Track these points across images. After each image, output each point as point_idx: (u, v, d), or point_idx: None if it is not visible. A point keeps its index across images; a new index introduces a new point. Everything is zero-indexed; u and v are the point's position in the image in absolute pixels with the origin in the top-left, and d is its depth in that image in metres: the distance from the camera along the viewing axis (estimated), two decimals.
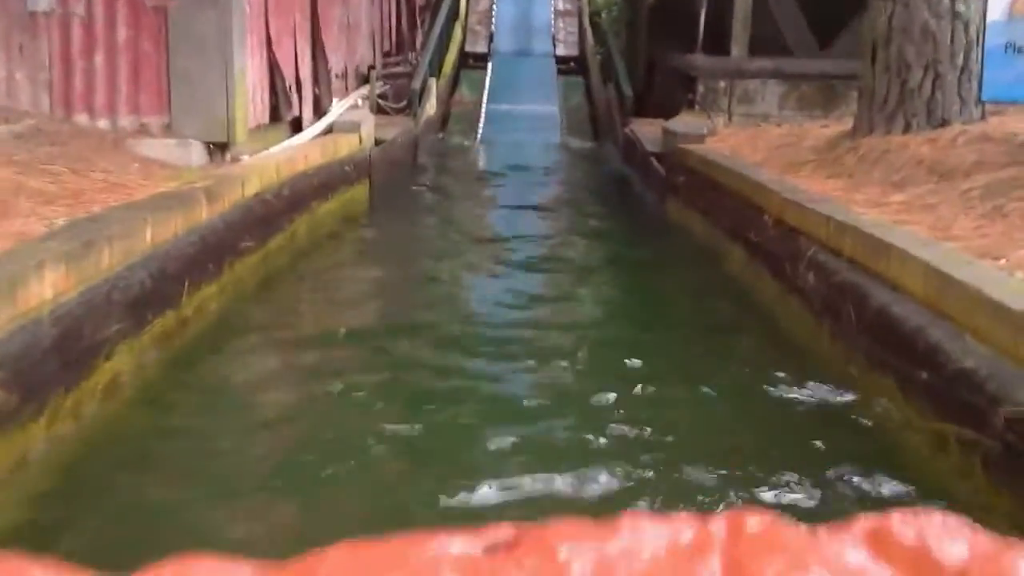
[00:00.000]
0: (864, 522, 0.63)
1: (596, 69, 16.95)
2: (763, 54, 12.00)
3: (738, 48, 12.08)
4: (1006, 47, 6.75)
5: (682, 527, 0.66)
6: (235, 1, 7.13)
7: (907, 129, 7.55)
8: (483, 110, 15.87)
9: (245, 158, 7.21)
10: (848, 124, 10.29)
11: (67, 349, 3.62)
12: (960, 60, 7.48)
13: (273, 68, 8.55)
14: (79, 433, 3.71)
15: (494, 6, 20.68)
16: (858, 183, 6.89)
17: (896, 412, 4.00)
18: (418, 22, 18.04)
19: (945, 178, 6.60)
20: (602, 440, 3.88)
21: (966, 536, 0.62)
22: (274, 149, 7.71)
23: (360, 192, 9.13)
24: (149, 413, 4.03)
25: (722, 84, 11.75)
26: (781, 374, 4.55)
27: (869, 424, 4.12)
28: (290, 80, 8.91)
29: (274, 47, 8.53)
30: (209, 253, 5.22)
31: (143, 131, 7.08)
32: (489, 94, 16.69)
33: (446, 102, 16.10)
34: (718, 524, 0.66)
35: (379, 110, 12.71)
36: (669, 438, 3.92)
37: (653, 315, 6.23)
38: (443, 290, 6.85)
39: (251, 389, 4.54)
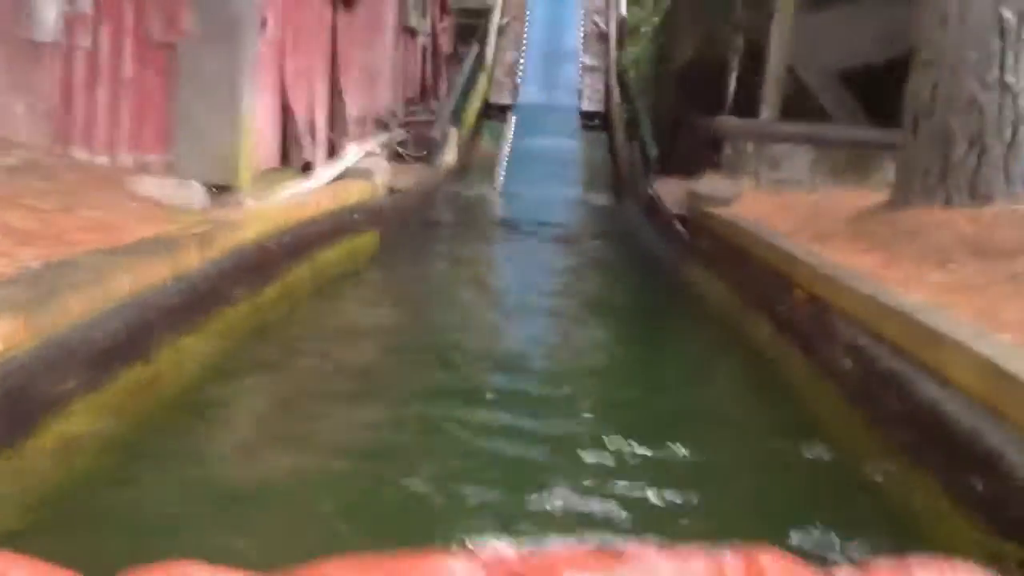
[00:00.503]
0: (883, 565, 0.68)
1: (621, 126, 16.63)
2: (796, 118, 11.64)
3: (769, 110, 11.73)
4: None
5: (693, 562, 0.72)
6: (247, 39, 6.81)
7: (947, 203, 7.13)
8: (504, 162, 15.56)
9: (250, 202, 6.84)
10: (883, 195, 9.96)
11: (13, 408, 3.22)
12: (1008, 135, 7.08)
13: (286, 110, 8.23)
14: (20, 499, 3.29)
15: (521, 59, 20.47)
16: (893, 258, 6.47)
17: (943, 520, 3.56)
18: (443, 71, 17.83)
19: (988, 258, 6.17)
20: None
21: None
22: (280, 194, 7.35)
23: (369, 242, 8.76)
24: (102, 483, 3.61)
25: (750, 147, 11.38)
26: (808, 457, 4.13)
27: (906, 524, 3.69)
28: (303, 123, 8.59)
29: (288, 88, 8.22)
30: (195, 304, 4.84)
31: (143, 169, 6.73)
32: (511, 146, 16.40)
33: (467, 153, 15.80)
34: (733, 562, 0.72)
35: (397, 158, 12.41)
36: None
37: (671, 395, 5.78)
38: (440, 353, 6.42)
39: (225, 458, 4.12)
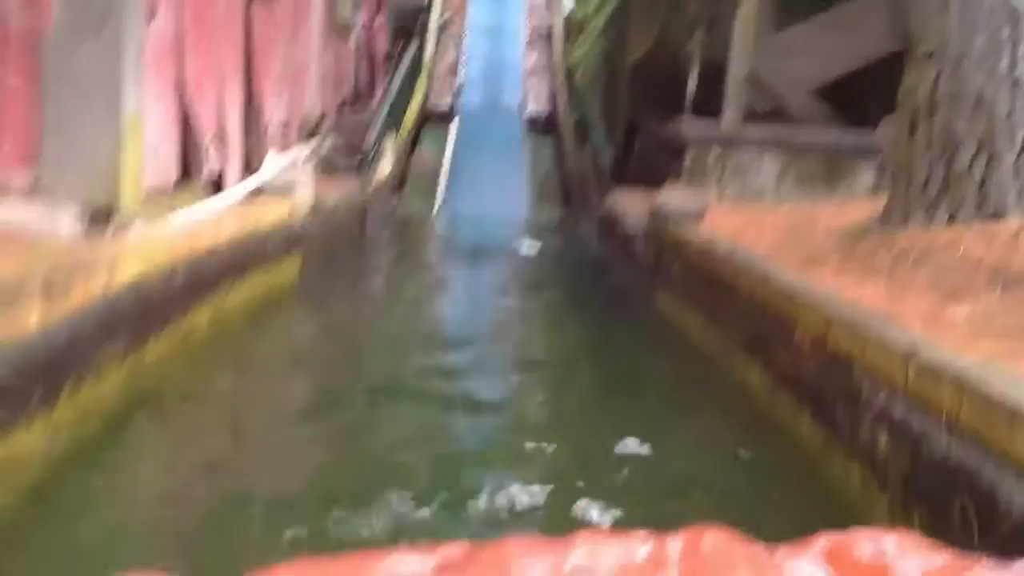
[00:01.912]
0: (823, 540, 0.70)
1: (570, 131, 15.61)
2: (760, 120, 10.72)
3: (732, 113, 10.77)
4: None
5: (638, 544, 0.73)
6: (129, 31, 5.67)
7: (952, 219, 6.18)
8: (445, 172, 14.48)
9: (137, 228, 5.69)
10: (864, 206, 9.03)
11: None
12: (1020, 137, 6.14)
13: (187, 116, 7.09)
14: None
15: (462, 57, 19.40)
16: (901, 288, 5.49)
17: None
18: (379, 72, 16.69)
19: (1013, 287, 5.22)
20: None
21: (923, 553, 0.69)
22: (179, 217, 6.19)
23: (288, 272, 7.59)
24: None
25: (713, 154, 10.42)
26: None
27: None
28: (210, 131, 7.45)
29: (190, 90, 7.07)
30: (31, 382, 3.70)
31: (1, 188, 5.57)
32: (452, 155, 15.31)
33: (405, 161, 14.67)
34: (675, 542, 0.72)
35: (327, 168, 11.30)
36: None
37: (647, 463, 4.68)
38: (372, 409, 5.27)
39: None
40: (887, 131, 10.19)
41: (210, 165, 7.48)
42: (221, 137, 7.77)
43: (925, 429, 3.22)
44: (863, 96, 11.69)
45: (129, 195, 5.79)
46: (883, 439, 3.48)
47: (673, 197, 9.26)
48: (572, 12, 19.84)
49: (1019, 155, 6.13)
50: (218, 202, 6.99)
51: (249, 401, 5.20)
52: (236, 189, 7.57)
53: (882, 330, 3.80)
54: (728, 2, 11.18)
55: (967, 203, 6.14)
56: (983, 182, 6.14)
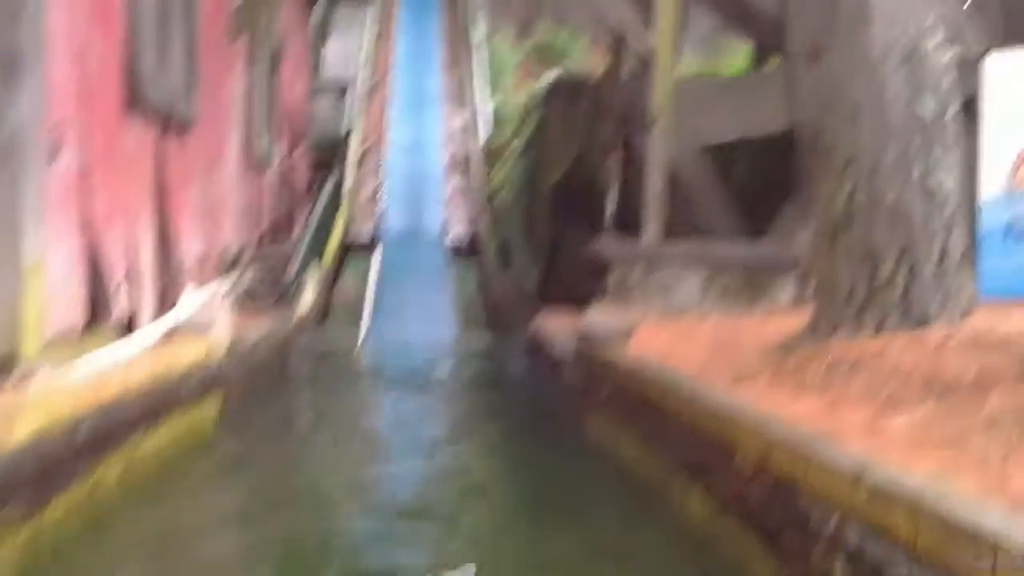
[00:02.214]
0: None
1: (493, 254, 15.60)
2: (681, 237, 10.80)
3: (652, 231, 10.82)
4: (1007, 230, 5.45)
5: None
6: (30, 167, 5.47)
7: (879, 329, 6.14)
8: (369, 302, 14.29)
9: (38, 377, 5.38)
10: (788, 318, 9.02)
11: None
12: (937, 246, 6.17)
13: (95, 255, 6.84)
14: None
15: (383, 185, 19.43)
16: (837, 400, 5.39)
17: None
18: (299, 204, 16.60)
19: (947, 395, 5.14)
20: None
21: None
22: (84, 364, 5.90)
23: (205, 416, 7.25)
24: None
25: (636, 272, 10.41)
26: None
27: None
28: (120, 270, 7.20)
29: (97, 228, 6.85)
30: None
31: None
32: (376, 283, 15.16)
33: (327, 293, 14.48)
34: None
35: (247, 304, 11.06)
36: None
37: None
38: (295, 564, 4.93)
39: None
40: (805, 244, 10.35)
41: (120, 306, 7.21)
42: (132, 276, 7.53)
43: (884, 555, 3.06)
44: (777, 209, 11.87)
45: (31, 343, 5.51)
46: (838, 567, 3.31)
47: (599, 317, 9.17)
48: (490, 137, 20.05)
49: (938, 264, 6.15)
50: (129, 345, 6.71)
51: (162, 555, 4.85)
52: (149, 330, 7.30)
53: (827, 450, 3.66)
54: (643, 121, 11.36)
55: (892, 313, 6.12)
56: (906, 291, 6.13)
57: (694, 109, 10.87)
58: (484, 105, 21.40)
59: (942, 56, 6.33)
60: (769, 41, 11.77)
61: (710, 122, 11.00)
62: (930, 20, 6.33)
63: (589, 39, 26.25)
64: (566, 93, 13.58)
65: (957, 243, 6.20)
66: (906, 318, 6.08)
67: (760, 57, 13.36)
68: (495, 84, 23.54)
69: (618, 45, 12.54)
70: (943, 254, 6.15)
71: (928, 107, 6.23)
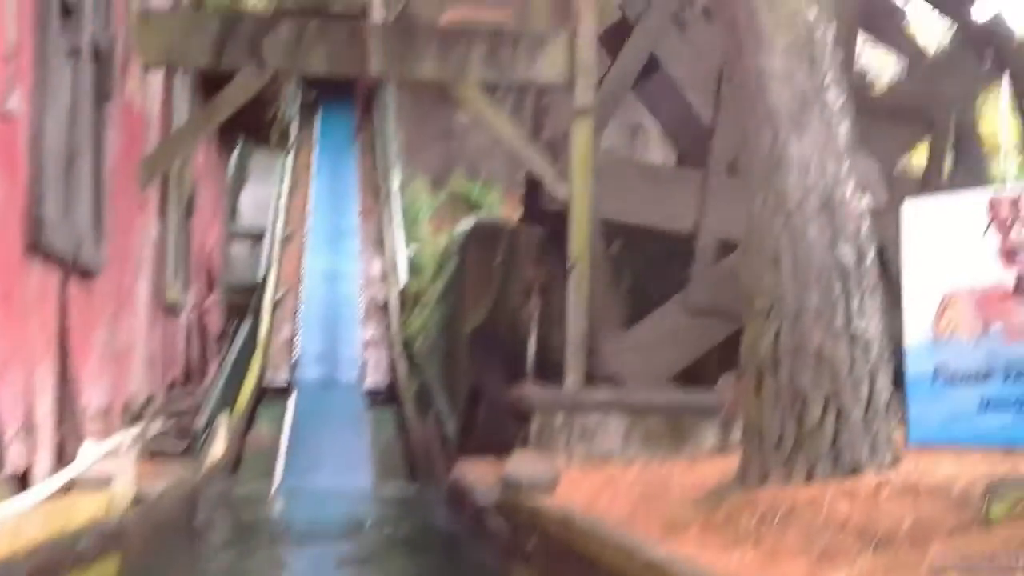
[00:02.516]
0: None
1: (411, 401, 15.32)
2: (603, 383, 10.70)
3: (574, 377, 10.70)
4: (934, 376, 5.39)
5: None
6: None
7: (810, 477, 6.02)
8: (283, 452, 13.84)
9: None
10: (707, 462, 8.89)
11: None
12: (864, 391, 6.12)
13: None
14: None
15: (298, 334, 19.12)
16: (772, 554, 5.21)
17: None
18: (211, 351, 16.19)
19: (884, 547, 5.01)
20: None
21: None
22: None
23: None
24: None
25: (559, 419, 10.23)
26: None
27: None
28: (15, 421, 6.79)
29: None
30: None
31: None
32: (290, 432, 14.72)
33: (239, 442, 13.99)
34: None
35: (155, 454, 10.57)
36: None
37: None
38: None
39: None
40: (726, 389, 10.31)
41: (14, 459, 6.77)
42: (28, 427, 7.11)
43: None
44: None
45: None
46: None
47: (523, 465, 8.93)
48: (408, 283, 19.98)
49: (866, 410, 6.09)
50: (22, 500, 6.27)
51: None
52: (44, 485, 6.85)
53: None
54: (561, 267, 11.36)
55: (823, 459, 6.01)
56: (835, 438, 6.05)
57: (609, 187, 10.91)
58: (401, 251, 21.41)
59: (857, 204, 6.42)
60: (692, 152, 11.98)
61: (622, 203, 11.04)
62: (844, 170, 6.43)
63: (502, 190, 26.80)
64: (484, 238, 13.60)
65: (883, 389, 6.17)
66: (837, 465, 5.97)
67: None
68: (411, 231, 23.68)
69: (534, 191, 12.66)
70: (870, 400, 6.11)
71: (847, 253, 6.27)
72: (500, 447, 10.43)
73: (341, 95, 25.47)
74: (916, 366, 5.40)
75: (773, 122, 6.48)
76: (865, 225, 6.39)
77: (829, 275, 6.22)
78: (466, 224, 15.01)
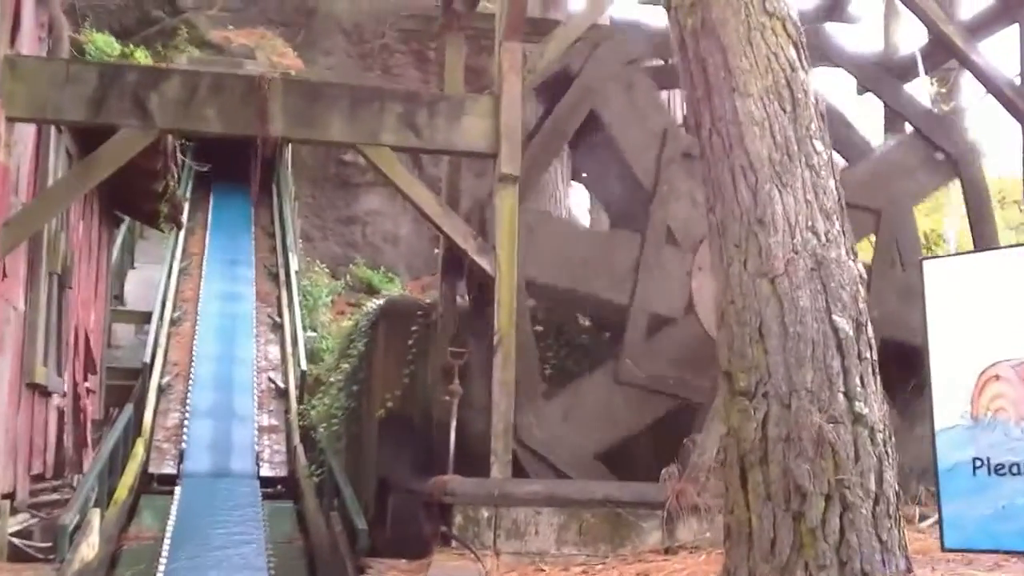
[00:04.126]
0: None
1: (311, 494, 14.00)
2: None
3: (500, 468, 9.63)
4: (974, 466, 4.52)
5: None
6: None
7: None
8: (166, 549, 12.37)
9: None
10: (655, 567, 7.96)
11: None
12: (872, 482, 5.23)
13: None
14: None
15: (186, 420, 17.64)
16: None
17: None
18: (88, 439, 14.67)
19: None
20: None
21: None
22: None
23: None
24: None
25: (485, 513, 9.13)
26: None
27: None
28: None
29: None
30: None
31: None
32: (175, 528, 13.25)
33: (116, 539, 12.48)
34: None
35: (17, 556, 9.17)
36: None
37: None
38: None
39: None
40: (671, 481, 9.37)
41: None
42: None
43: None
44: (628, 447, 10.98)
45: None
46: None
47: (445, 568, 7.83)
48: (308, 369, 18.70)
49: (875, 503, 5.19)
50: None
51: None
52: None
53: None
54: (482, 347, 10.40)
55: (829, 566, 5.06)
56: (841, 540, 5.12)
57: (540, 248, 10.13)
58: (301, 335, 20.16)
59: (853, 267, 5.60)
60: (626, 217, 11.19)
61: (553, 267, 10.28)
62: (836, 229, 5.63)
63: (404, 280, 26.05)
64: (396, 316, 12.54)
65: (892, 481, 5.29)
66: (845, 572, 5.03)
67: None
68: (311, 318, 22.56)
69: (454, 263, 11.72)
70: (879, 494, 5.21)
71: (844, 323, 5.42)
72: (414, 545, 9.33)
73: (236, 175, 24.28)
74: (951, 454, 4.55)
75: (753, 173, 5.67)
76: (862, 291, 5.57)
77: (825, 349, 5.36)
78: (376, 302, 13.92)
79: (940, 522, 4.83)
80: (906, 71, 12.30)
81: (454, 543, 8.94)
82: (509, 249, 9.87)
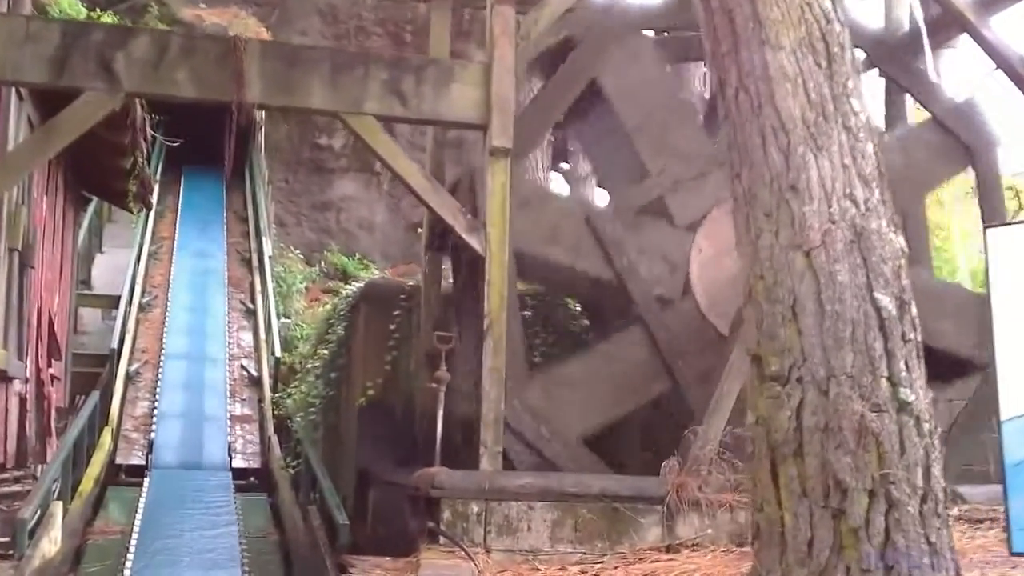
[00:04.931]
0: None
1: (287, 486, 13.39)
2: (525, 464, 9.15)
3: (490, 459, 9.07)
4: None
5: None
6: None
7: None
8: (134, 543, 11.75)
9: None
10: (660, 567, 7.47)
11: None
12: (919, 478, 4.71)
13: None
14: None
15: (156, 409, 16.96)
16: None
17: None
18: (52, 429, 13.98)
19: None
20: None
21: None
22: None
23: None
24: None
25: (475, 508, 8.57)
26: None
27: None
28: None
29: None
30: None
31: None
32: (144, 521, 12.61)
33: (81, 533, 11.84)
34: None
35: None
36: None
37: None
38: None
39: None
40: (671, 473, 8.86)
41: None
42: None
43: None
44: (619, 439, 10.53)
45: None
46: None
47: (435, 567, 7.28)
48: (282, 356, 18.06)
49: (922, 501, 4.67)
50: None
51: None
52: None
53: None
54: (469, 331, 9.86)
55: (873, 570, 4.54)
56: (886, 542, 4.59)
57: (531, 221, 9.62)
58: (275, 321, 19.50)
59: (894, 240, 5.07)
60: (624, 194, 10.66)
61: (544, 242, 9.82)
62: (875, 196, 5.10)
63: (380, 267, 25.50)
64: (378, 300, 11.97)
65: (939, 476, 4.77)
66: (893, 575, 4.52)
67: None
68: (284, 305, 21.91)
69: (440, 240, 11.14)
70: (926, 491, 4.69)
71: (886, 301, 4.90)
72: (397, 541, 8.79)
73: (207, 158, 23.53)
74: (1019, 447, 3.99)
75: (785, 135, 5.13)
76: (904, 266, 5.05)
77: (866, 329, 4.83)
78: (356, 285, 13.31)
79: (1007, 523, 4.31)
80: (907, 48, 11.78)
81: (442, 540, 8.38)
82: (500, 227, 9.29)
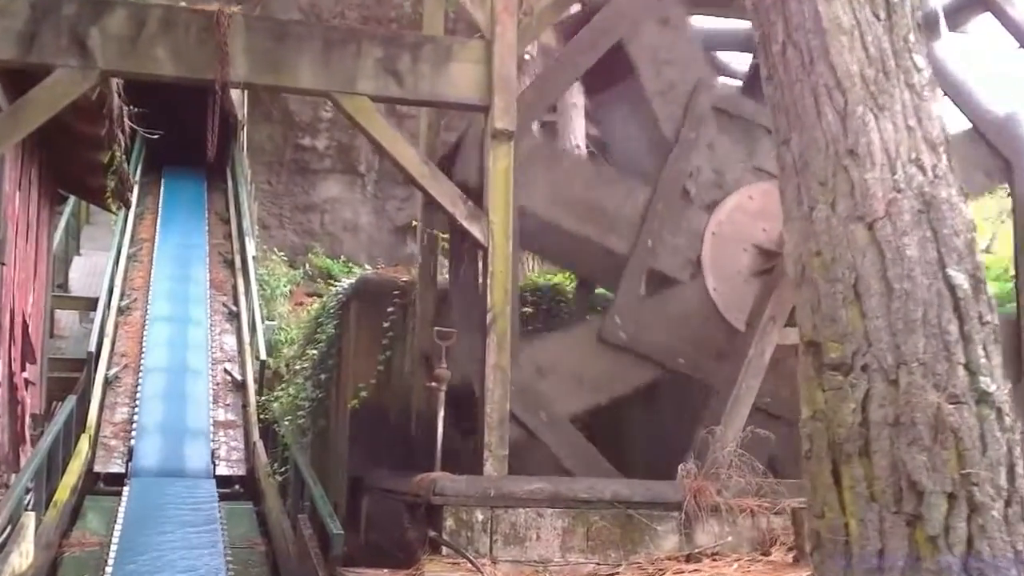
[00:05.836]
0: None
1: (274, 494, 12.76)
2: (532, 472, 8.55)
3: (495, 464, 8.49)
4: None
5: None
6: None
7: None
8: (112, 556, 11.15)
9: None
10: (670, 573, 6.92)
11: None
12: (1003, 479, 4.13)
13: None
14: None
15: (136, 415, 16.32)
16: None
17: None
18: (27, 436, 13.33)
19: None
20: None
21: None
22: None
23: None
24: None
25: (480, 516, 7.98)
26: None
27: None
28: None
29: None
30: None
31: None
32: (123, 531, 12.00)
33: (56, 545, 11.21)
34: None
35: None
36: None
37: None
38: None
39: None
40: (688, 477, 8.32)
41: None
42: None
43: None
44: (622, 439, 10.01)
45: None
46: None
47: None
48: (267, 359, 17.43)
49: (1007, 502, 4.10)
50: None
51: None
52: None
53: None
54: (467, 325, 9.28)
55: None
56: (969, 548, 4.02)
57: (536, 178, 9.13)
58: (259, 324, 18.88)
59: (964, 210, 4.51)
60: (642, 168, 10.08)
61: (549, 200, 9.30)
62: (943, 163, 4.54)
63: (364, 269, 24.99)
64: (370, 297, 11.36)
65: (1023, 474, 4.20)
66: None
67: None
68: (268, 307, 21.31)
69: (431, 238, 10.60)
70: (1010, 493, 4.12)
71: (960, 278, 4.33)
72: (392, 551, 8.22)
73: (188, 158, 22.88)
74: None
75: (841, 94, 4.56)
76: (976, 240, 4.49)
77: (939, 310, 4.26)
78: (347, 281, 12.70)
79: None
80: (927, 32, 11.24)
81: (445, 550, 7.79)
82: (504, 215, 8.73)
